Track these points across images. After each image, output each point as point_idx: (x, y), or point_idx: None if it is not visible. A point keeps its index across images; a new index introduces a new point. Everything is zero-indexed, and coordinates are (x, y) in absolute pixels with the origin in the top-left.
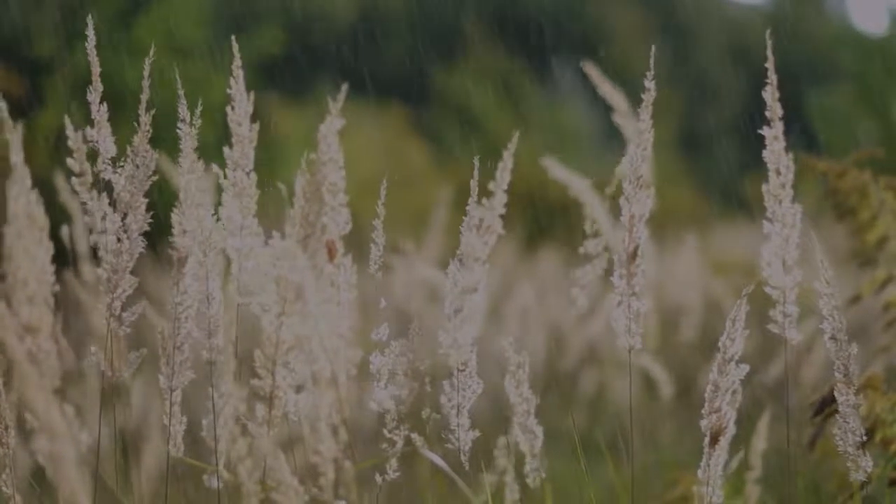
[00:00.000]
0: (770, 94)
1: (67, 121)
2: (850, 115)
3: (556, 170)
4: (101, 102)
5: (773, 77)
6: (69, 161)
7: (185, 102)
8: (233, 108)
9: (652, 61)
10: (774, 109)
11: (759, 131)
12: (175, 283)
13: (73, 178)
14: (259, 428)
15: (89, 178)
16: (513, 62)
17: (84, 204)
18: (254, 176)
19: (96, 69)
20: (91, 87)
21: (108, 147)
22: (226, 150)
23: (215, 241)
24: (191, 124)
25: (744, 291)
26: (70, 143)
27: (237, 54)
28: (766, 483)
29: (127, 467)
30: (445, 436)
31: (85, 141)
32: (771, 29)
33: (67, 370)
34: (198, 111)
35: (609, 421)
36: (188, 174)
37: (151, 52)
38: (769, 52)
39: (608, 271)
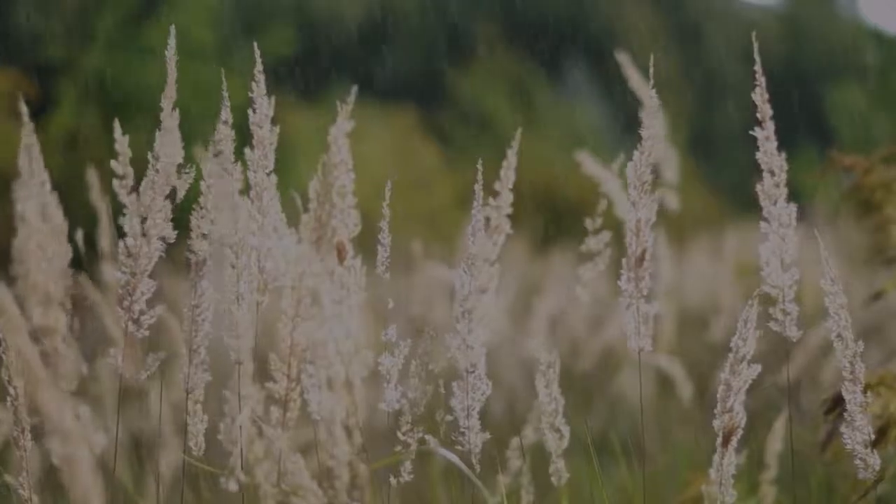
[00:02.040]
0: (759, 96)
1: (117, 124)
2: (867, 111)
3: (589, 163)
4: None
5: (761, 78)
6: (113, 163)
7: (228, 104)
8: (254, 110)
9: (651, 70)
10: (764, 110)
11: (751, 132)
12: (193, 285)
13: (115, 181)
14: (274, 430)
15: (130, 182)
16: (524, 63)
17: (123, 206)
18: (274, 177)
19: (173, 74)
20: (164, 95)
21: (174, 154)
22: (247, 151)
23: (247, 243)
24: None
25: (755, 292)
26: (117, 146)
27: (258, 58)
28: (780, 483)
29: (141, 469)
30: (456, 437)
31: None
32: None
33: (82, 372)
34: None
35: (624, 422)
36: (224, 175)
37: (174, 55)
38: (755, 55)
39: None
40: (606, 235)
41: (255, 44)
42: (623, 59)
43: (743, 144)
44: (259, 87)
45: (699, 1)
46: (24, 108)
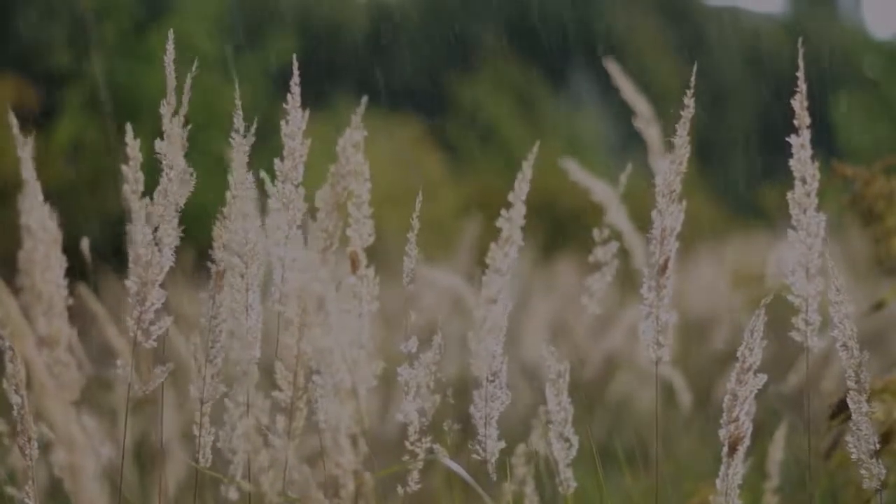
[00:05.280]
0: (798, 102)
1: (129, 128)
2: (868, 121)
3: (577, 173)
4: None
5: (802, 85)
6: (124, 168)
7: (240, 113)
8: (287, 122)
9: (693, 79)
10: (802, 118)
11: (787, 139)
12: (212, 296)
13: (125, 186)
14: (280, 440)
15: (140, 187)
16: (529, 72)
17: (132, 212)
18: (302, 189)
19: (172, 82)
20: (164, 101)
21: (178, 162)
22: (276, 162)
23: (258, 253)
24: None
25: (762, 301)
26: (128, 150)
27: (296, 70)
28: (784, 492)
29: (145, 479)
30: (472, 446)
31: (155, 153)
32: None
33: (87, 382)
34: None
35: (628, 431)
36: (238, 186)
37: (195, 66)
38: (800, 60)
39: (625, 279)
40: (615, 246)
41: (294, 57)
42: (612, 67)
43: (745, 153)
44: (294, 99)
45: (703, 9)
46: (13, 120)
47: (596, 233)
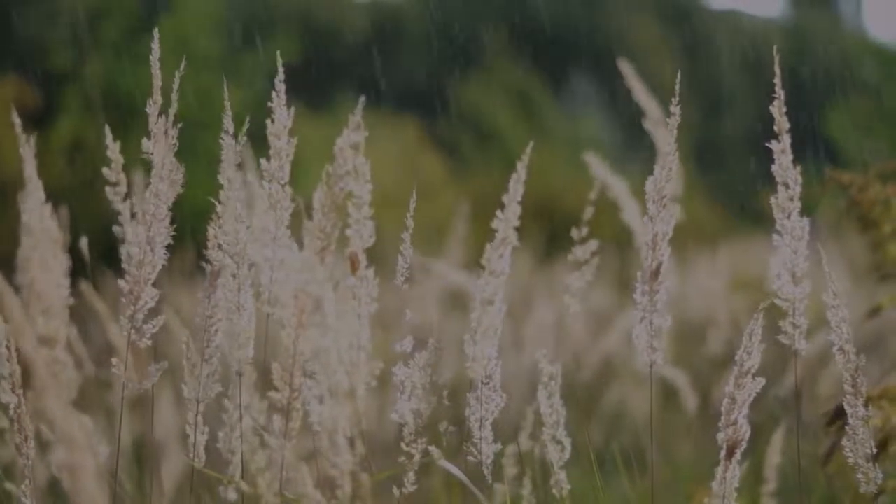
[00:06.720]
0: (777, 108)
1: (107, 130)
2: (868, 126)
3: (597, 167)
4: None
5: (780, 91)
6: (105, 171)
7: (230, 114)
8: (272, 121)
9: (677, 87)
10: (781, 123)
11: (767, 144)
12: (207, 295)
13: (108, 188)
14: (277, 440)
15: (124, 189)
16: (529, 73)
17: (118, 214)
18: (289, 189)
19: (158, 82)
20: (150, 101)
21: (167, 160)
22: (262, 162)
23: (249, 254)
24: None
25: (760, 305)
26: (109, 153)
27: (280, 68)
28: (782, 496)
29: (144, 478)
30: (467, 447)
31: (142, 152)
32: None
33: (86, 381)
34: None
35: (626, 434)
36: (229, 186)
37: (182, 66)
38: (776, 67)
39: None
40: (594, 244)
41: (278, 54)
42: (625, 68)
43: (745, 157)
44: (279, 98)
45: (704, 13)
46: (17, 120)
47: (574, 232)
